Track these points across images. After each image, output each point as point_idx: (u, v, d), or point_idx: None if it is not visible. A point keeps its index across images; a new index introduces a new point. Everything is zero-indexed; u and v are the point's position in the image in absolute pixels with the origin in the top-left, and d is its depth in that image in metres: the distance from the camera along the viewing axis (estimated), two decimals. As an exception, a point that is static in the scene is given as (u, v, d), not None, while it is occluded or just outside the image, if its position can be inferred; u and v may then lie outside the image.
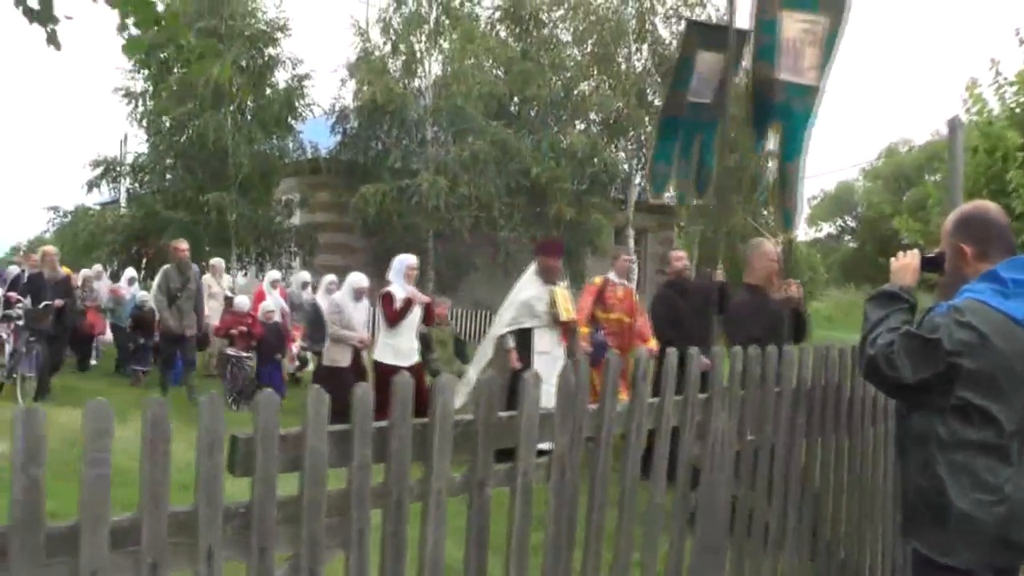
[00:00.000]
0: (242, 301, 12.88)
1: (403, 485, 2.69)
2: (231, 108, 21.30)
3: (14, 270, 15.67)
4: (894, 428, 3.41)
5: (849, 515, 4.36)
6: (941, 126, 55.05)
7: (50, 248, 12.76)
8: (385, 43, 24.57)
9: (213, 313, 13.70)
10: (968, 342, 2.83)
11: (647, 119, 27.99)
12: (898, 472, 3.43)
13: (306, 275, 15.05)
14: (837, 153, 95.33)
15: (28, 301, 11.69)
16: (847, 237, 57.90)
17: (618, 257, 10.30)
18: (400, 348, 9.13)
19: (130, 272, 15.54)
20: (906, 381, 2.94)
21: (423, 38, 24.37)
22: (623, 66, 27.88)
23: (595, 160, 25.87)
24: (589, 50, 27.89)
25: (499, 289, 23.25)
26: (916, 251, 3.42)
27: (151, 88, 22.37)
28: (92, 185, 23.04)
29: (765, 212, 33.31)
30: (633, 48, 27.92)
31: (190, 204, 21.00)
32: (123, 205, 26.35)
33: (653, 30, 27.85)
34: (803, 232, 56.13)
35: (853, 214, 57.41)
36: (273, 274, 14.19)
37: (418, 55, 24.60)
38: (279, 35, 22.15)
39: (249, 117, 21.94)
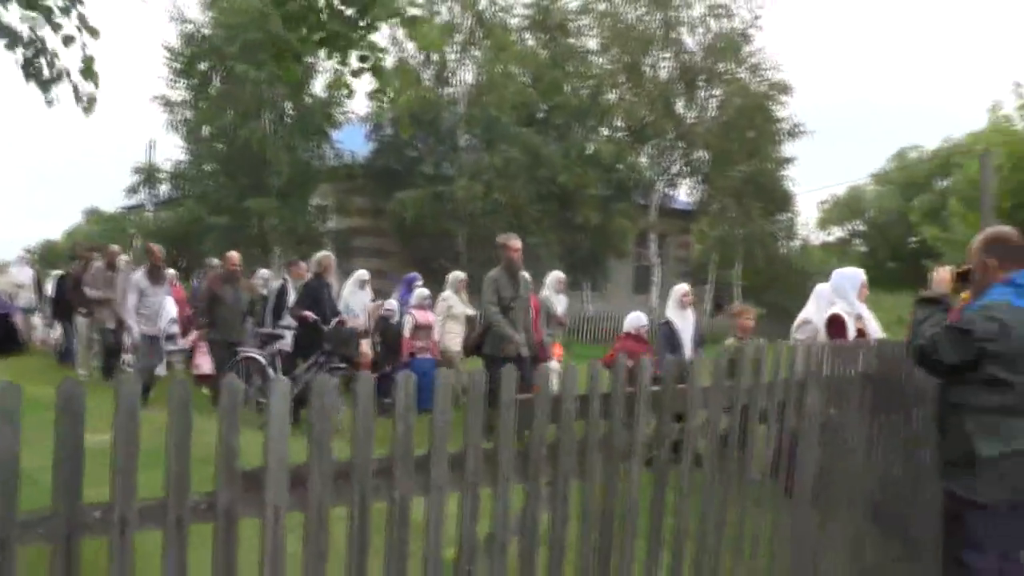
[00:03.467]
0: (635, 318, 9.83)
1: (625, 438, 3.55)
2: (271, 116, 21.85)
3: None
4: (936, 400, 4.20)
5: (904, 475, 5.04)
6: (952, 131, 55.57)
7: (328, 254, 10.93)
8: (419, 52, 25.14)
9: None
10: (994, 331, 3.69)
11: (671, 126, 28.59)
12: (937, 437, 4.20)
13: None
14: (848, 158, 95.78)
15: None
16: (857, 241, 58.37)
17: None
18: None
19: (362, 274, 13.04)
20: (947, 362, 3.81)
21: (456, 47, 24.95)
22: (649, 74, 28.44)
23: (620, 166, 26.42)
24: (616, 58, 28.47)
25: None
26: (951, 267, 4.36)
27: (191, 97, 22.93)
28: (132, 190, 23.66)
29: (781, 216, 33.91)
30: (659, 57, 28.47)
31: (231, 210, 21.51)
32: (150, 210, 26.91)
33: (678, 38, 28.39)
34: (814, 236, 56.71)
35: (864, 218, 57.87)
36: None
37: (451, 64, 25.18)
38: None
39: (288, 123, 22.45)
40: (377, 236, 24.42)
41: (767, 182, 30.22)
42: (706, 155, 29.65)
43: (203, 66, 22.53)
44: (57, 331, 15.21)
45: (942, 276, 4.27)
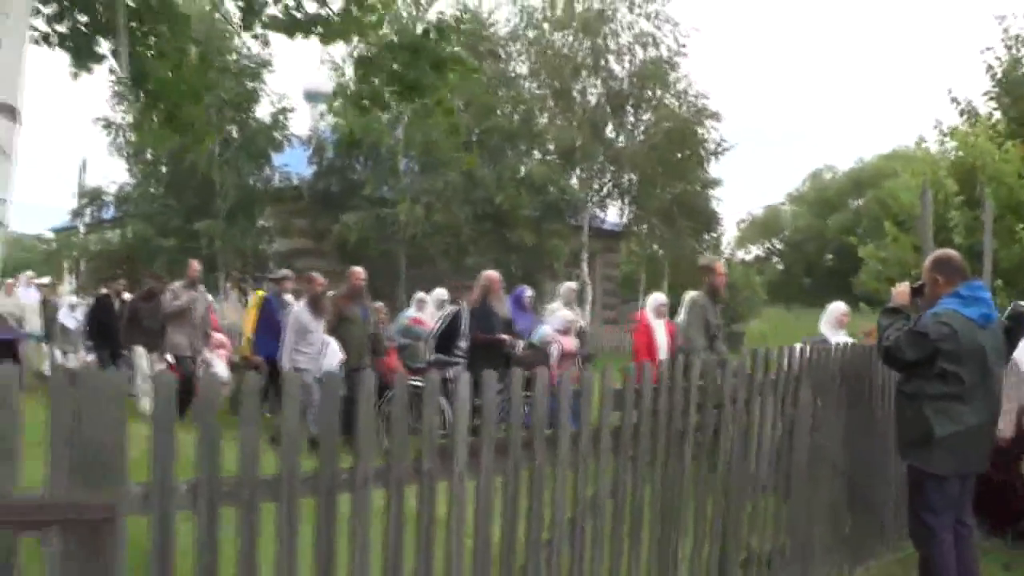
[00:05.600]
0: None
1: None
2: (218, 140, 22.23)
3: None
4: (896, 390, 5.18)
5: (872, 455, 5.94)
6: (864, 152, 57.90)
7: (491, 273, 9.75)
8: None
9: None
10: (945, 334, 4.66)
11: (601, 149, 29.58)
12: (897, 421, 5.13)
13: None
14: (764, 178, 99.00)
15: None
16: (774, 259, 60.22)
17: None
18: None
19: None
20: (909, 360, 4.79)
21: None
22: (578, 99, 29.42)
23: (551, 188, 27.31)
24: (546, 83, 29.44)
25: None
26: (907, 282, 5.35)
27: (134, 119, 23.06)
28: (77, 213, 23.82)
29: (707, 236, 35.10)
30: (588, 83, 29.48)
31: (179, 232, 21.84)
32: (82, 232, 26.85)
33: (606, 65, 29.43)
34: (734, 254, 58.46)
35: (780, 237, 59.77)
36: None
37: (390, 89, 25.79)
38: (262, 70, 23.07)
39: (235, 148, 22.81)
40: (318, 257, 24.81)
41: (694, 202, 31.44)
42: (634, 177, 30.67)
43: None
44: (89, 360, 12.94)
45: (901, 291, 5.19)
